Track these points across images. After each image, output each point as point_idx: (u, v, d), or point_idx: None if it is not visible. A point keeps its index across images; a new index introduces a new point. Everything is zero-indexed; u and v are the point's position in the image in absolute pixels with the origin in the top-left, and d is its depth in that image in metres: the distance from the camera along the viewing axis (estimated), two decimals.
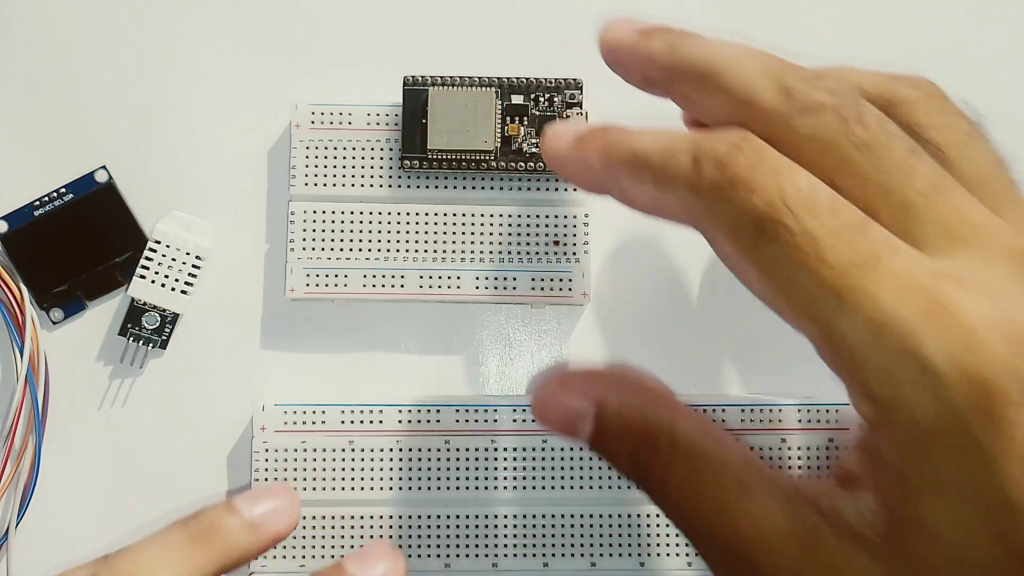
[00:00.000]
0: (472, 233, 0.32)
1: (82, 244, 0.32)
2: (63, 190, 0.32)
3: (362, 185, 0.32)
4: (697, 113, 0.21)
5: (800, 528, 0.18)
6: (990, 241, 0.18)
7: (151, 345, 0.32)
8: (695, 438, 0.19)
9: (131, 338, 0.32)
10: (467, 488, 0.32)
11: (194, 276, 0.32)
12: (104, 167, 0.33)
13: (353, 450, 0.31)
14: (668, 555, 0.31)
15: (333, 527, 0.31)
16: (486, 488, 0.32)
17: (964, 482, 0.16)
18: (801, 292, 0.17)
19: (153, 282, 0.32)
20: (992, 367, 0.16)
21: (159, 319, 0.32)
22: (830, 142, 0.18)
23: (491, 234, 0.32)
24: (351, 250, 0.32)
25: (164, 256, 0.32)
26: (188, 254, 0.32)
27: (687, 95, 0.21)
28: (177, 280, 0.32)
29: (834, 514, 0.18)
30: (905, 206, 0.18)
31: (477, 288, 0.32)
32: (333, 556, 0.31)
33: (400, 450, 0.32)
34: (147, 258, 0.32)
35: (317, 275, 0.32)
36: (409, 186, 0.32)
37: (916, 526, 0.17)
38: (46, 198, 0.32)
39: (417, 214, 0.32)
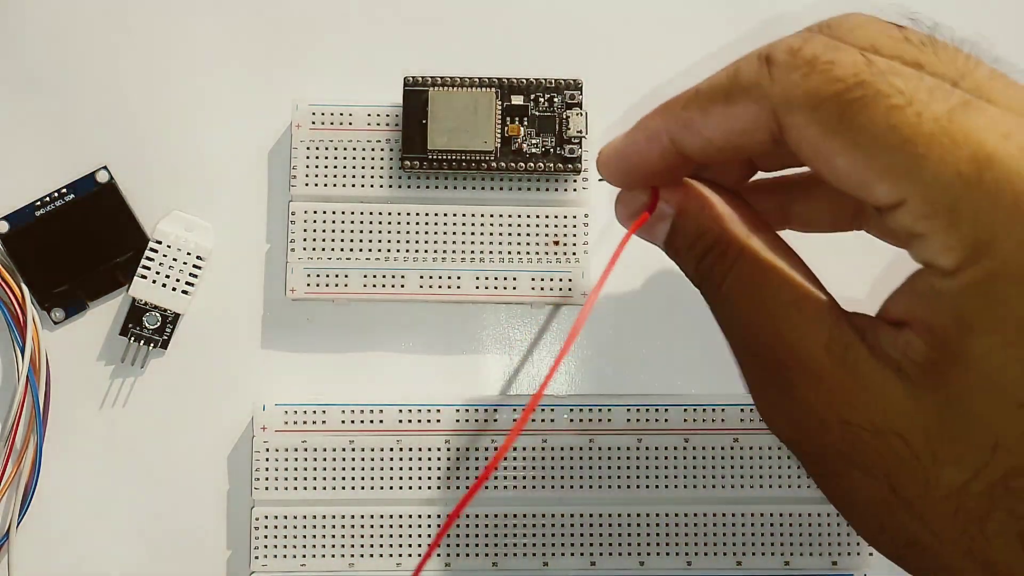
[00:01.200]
0: (472, 233, 0.32)
1: (83, 244, 0.32)
2: (64, 190, 0.32)
3: (362, 185, 0.32)
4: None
5: (836, 344, 0.19)
6: None
7: (152, 345, 0.32)
8: (763, 253, 0.20)
9: (132, 338, 0.32)
10: (467, 488, 0.32)
11: (195, 276, 0.32)
12: (105, 167, 0.33)
13: (353, 450, 0.32)
14: (668, 555, 0.31)
15: (333, 527, 0.31)
16: (487, 488, 0.32)
17: None
18: (896, 150, 0.17)
19: (154, 282, 0.32)
20: None
21: (160, 319, 0.32)
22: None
23: (491, 234, 0.32)
24: (351, 250, 0.32)
25: (165, 256, 0.32)
26: (189, 254, 0.32)
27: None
28: (178, 280, 0.32)
29: (874, 340, 0.18)
30: (977, 87, 0.18)
31: (477, 288, 0.32)
32: (334, 556, 0.31)
33: (400, 450, 0.32)
34: (148, 258, 0.32)
35: (317, 275, 0.32)
36: (409, 186, 0.32)
37: (964, 362, 0.17)
38: (47, 198, 0.32)
39: (417, 214, 0.32)
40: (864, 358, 0.18)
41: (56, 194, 0.32)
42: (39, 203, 0.32)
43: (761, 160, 0.24)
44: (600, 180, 0.22)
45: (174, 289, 0.32)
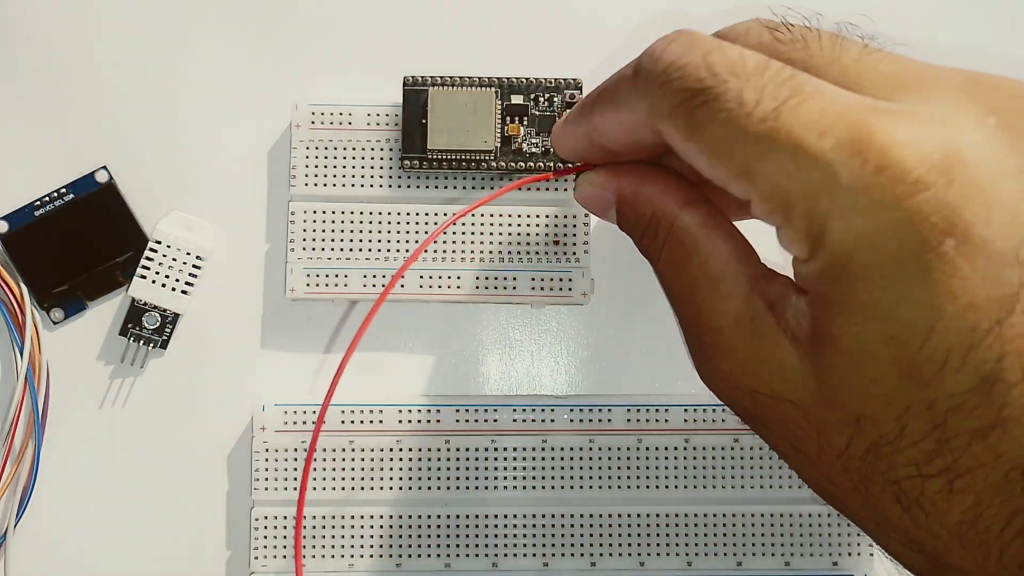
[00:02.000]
0: (472, 233, 0.32)
1: (83, 244, 0.32)
2: (64, 190, 0.32)
3: (362, 185, 0.32)
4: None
5: (745, 316, 0.20)
6: (938, 79, 0.18)
7: (152, 345, 0.32)
8: (691, 231, 0.21)
9: (132, 338, 0.32)
10: (467, 488, 0.32)
11: (195, 276, 0.32)
12: (105, 167, 0.33)
13: (353, 450, 0.31)
14: (668, 555, 0.31)
15: (333, 527, 0.31)
16: (486, 488, 0.32)
17: (872, 307, 0.17)
18: (734, 150, 0.18)
19: (154, 282, 0.32)
20: (914, 197, 0.17)
21: (160, 319, 0.32)
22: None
23: (491, 234, 0.32)
24: (351, 250, 0.32)
25: (165, 256, 0.32)
26: (189, 254, 0.32)
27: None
28: (178, 280, 0.32)
29: (780, 309, 0.19)
30: (843, 73, 0.19)
31: (477, 288, 0.32)
32: (334, 556, 0.31)
33: (400, 450, 0.32)
34: (148, 258, 0.32)
35: (317, 275, 0.32)
36: (409, 186, 0.32)
37: (832, 340, 0.18)
38: (47, 198, 0.32)
39: (417, 214, 0.32)
40: (769, 328, 0.19)
41: (56, 194, 0.32)
42: (39, 203, 0.32)
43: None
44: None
45: (174, 289, 0.32)
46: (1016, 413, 0.16)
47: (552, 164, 0.31)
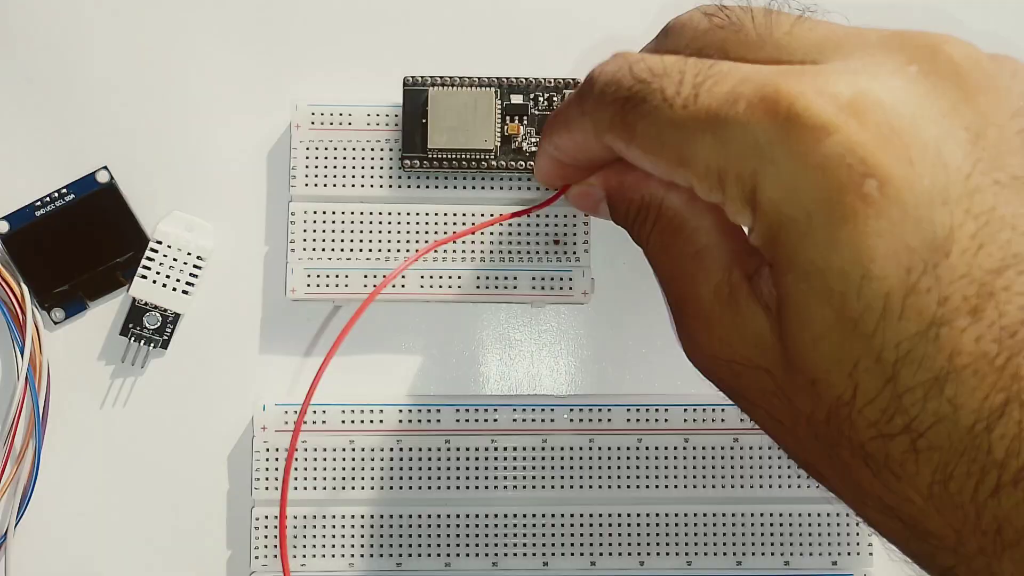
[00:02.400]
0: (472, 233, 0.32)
1: (83, 244, 0.32)
2: (64, 190, 0.32)
3: (362, 185, 0.32)
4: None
5: (722, 286, 0.20)
6: (863, 37, 0.19)
7: (152, 345, 0.32)
8: (677, 209, 0.21)
9: (132, 338, 0.32)
10: (467, 488, 0.32)
11: (195, 276, 0.32)
12: (105, 167, 0.33)
13: (353, 450, 0.31)
14: (667, 554, 0.31)
15: (333, 527, 0.31)
16: (486, 488, 0.32)
17: (806, 262, 0.17)
18: (665, 142, 0.19)
19: (154, 282, 0.32)
20: (823, 141, 0.17)
21: (160, 319, 0.32)
22: (691, 40, 0.21)
23: (491, 234, 0.32)
24: (351, 250, 0.32)
25: (165, 256, 0.32)
26: (189, 254, 0.32)
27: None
28: (178, 280, 0.32)
29: (757, 279, 0.19)
30: (776, 47, 0.19)
31: (477, 288, 0.32)
32: (334, 556, 0.31)
33: (400, 450, 0.32)
34: (148, 258, 0.32)
35: (318, 275, 0.32)
36: (409, 186, 0.32)
37: (784, 303, 0.18)
38: (47, 198, 0.32)
39: (417, 214, 0.32)
40: (745, 298, 0.19)
41: (56, 194, 0.32)
42: (39, 203, 0.32)
43: None
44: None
45: (174, 289, 0.32)
46: (969, 360, 0.16)
47: None
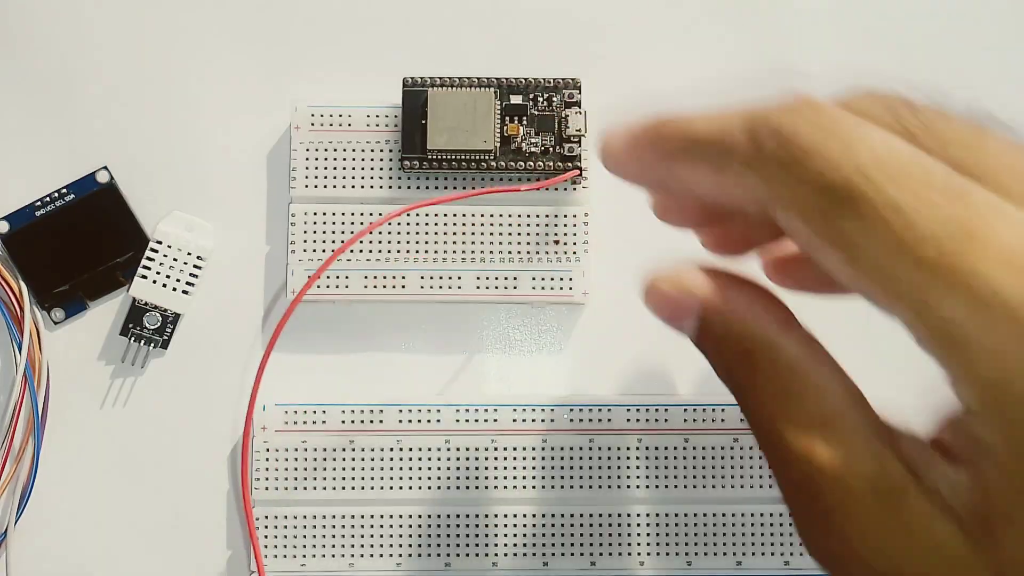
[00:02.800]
0: (472, 233, 0.32)
1: (83, 244, 0.32)
2: (65, 190, 0.32)
3: (362, 186, 0.32)
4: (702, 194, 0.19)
5: (884, 484, 0.16)
6: None
7: (152, 345, 0.32)
8: (797, 361, 0.17)
9: (132, 338, 0.32)
10: (467, 488, 0.32)
11: (195, 276, 0.32)
12: (105, 167, 0.33)
13: (353, 450, 0.32)
14: (668, 555, 0.31)
15: (333, 527, 0.31)
16: (486, 488, 0.32)
17: None
18: (892, 273, 0.15)
19: (154, 282, 0.32)
20: None
21: (160, 319, 0.32)
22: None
23: (491, 234, 0.32)
24: (352, 250, 0.32)
25: (165, 256, 0.32)
26: (189, 254, 0.32)
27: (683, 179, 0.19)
28: (178, 280, 0.32)
29: (929, 479, 0.16)
30: (983, 175, 0.16)
31: (477, 288, 0.32)
32: (334, 556, 0.31)
33: (400, 450, 0.32)
34: (148, 258, 0.32)
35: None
36: (409, 186, 0.32)
37: (1009, 521, 0.15)
38: (48, 198, 0.32)
39: (417, 214, 0.32)
40: (917, 503, 0.16)
41: (56, 194, 0.32)
42: (39, 203, 0.32)
43: None
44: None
45: (174, 289, 0.32)
46: None
47: (552, 164, 0.31)
